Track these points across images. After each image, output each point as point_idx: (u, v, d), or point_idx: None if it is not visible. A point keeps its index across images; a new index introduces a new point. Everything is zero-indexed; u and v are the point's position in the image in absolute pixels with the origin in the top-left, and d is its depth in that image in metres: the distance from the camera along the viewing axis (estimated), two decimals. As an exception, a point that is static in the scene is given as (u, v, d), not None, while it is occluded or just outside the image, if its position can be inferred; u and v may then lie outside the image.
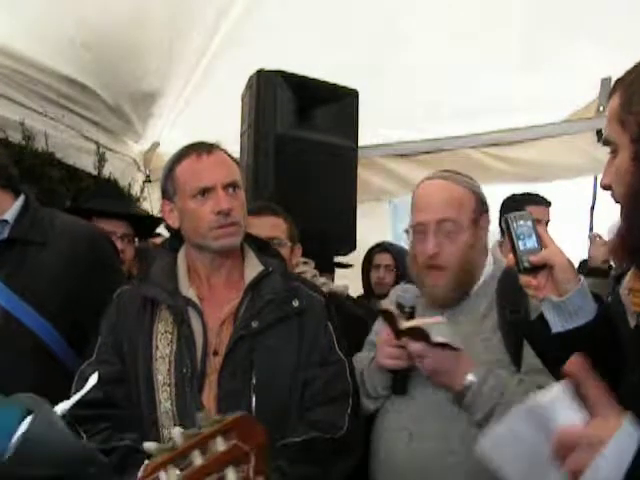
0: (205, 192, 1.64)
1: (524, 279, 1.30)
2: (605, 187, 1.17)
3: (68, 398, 1.55)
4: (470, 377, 1.58)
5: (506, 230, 1.32)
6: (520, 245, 1.29)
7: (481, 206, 1.73)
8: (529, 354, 1.56)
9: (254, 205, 2.38)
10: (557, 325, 1.27)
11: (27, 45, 2.93)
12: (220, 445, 0.93)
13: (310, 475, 1.55)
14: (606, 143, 1.17)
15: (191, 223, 1.68)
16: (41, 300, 1.83)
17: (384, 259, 3.72)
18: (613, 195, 1.16)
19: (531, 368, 1.57)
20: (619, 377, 1.17)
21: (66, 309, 1.86)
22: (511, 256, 1.31)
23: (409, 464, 1.64)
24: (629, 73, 1.14)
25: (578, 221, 3.91)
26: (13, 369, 1.76)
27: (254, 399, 1.58)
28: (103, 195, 2.81)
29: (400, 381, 1.70)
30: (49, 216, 1.96)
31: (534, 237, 1.29)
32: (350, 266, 3.02)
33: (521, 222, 1.30)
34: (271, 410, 1.58)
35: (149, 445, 0.94)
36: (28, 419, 1.08)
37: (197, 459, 0.91)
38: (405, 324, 1.61)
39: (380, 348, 1.70)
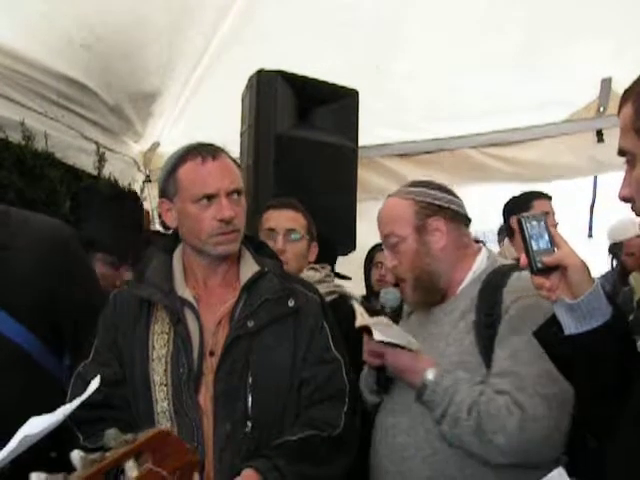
0: (208, 198, 1.63)
1: (537, 280, 1.29)
2: (625, 199, 1.16)
3: (54, 402, 1.54)
4: (428, 376, 1.62)
5: (519, 231, 1.31)
6: (533, 246, 1.28)
7: (425, 211, 1.76)
8: (500, 357, 1.58)
9: (275, 200, 2.41)
10: (571, 327, 1.26)
11: (27, 45, 2.93)
12: (132, 470, 0.79)
13: (307, 473, 1.56)
14: (621, 154, 1.16)
15: (191, 227, 1.67)
16: (15, 306, 1.74)
17: (385, 257, 3.72)
18: (634, 207, 1.15)
19: (498, 371, 1.58)
20: (633, 378, 1.17)
21: (41, 312, 1.78)
22: (524, 257, 1.30)
23: (388, 458, 1.70)
24: (638, 82, 1.14)
25: (577, 221, 3.91)
26: None
27: (250, 399, 1.58)
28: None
29: (383, 378, 1.75)
30: (11, 217, 1.83)
31: (547, 238, 1.28)
32: (349, 278, 3.04)
33: (534, 223, 1.29)
34: (267, 409, 1.60)
35: (36, 476, 0.77)
36: None
37: None
38: (358, 322, 1.69)
39: (364, 346, 1.75)
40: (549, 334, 1.32)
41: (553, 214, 3.38)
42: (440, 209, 1.76)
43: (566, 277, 1.26)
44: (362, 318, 1.70)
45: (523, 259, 1.30)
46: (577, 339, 1.25)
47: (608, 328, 1.23)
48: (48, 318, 1.80)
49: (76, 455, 0.76)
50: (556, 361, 1.36)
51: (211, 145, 1.71)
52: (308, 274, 2.38)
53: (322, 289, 2.28)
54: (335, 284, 2.47)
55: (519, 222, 1.31)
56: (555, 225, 3.41)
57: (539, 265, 1.27)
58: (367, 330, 1.68)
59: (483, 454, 1.55)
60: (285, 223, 2.30)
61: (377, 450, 1.74)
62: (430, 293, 1.76)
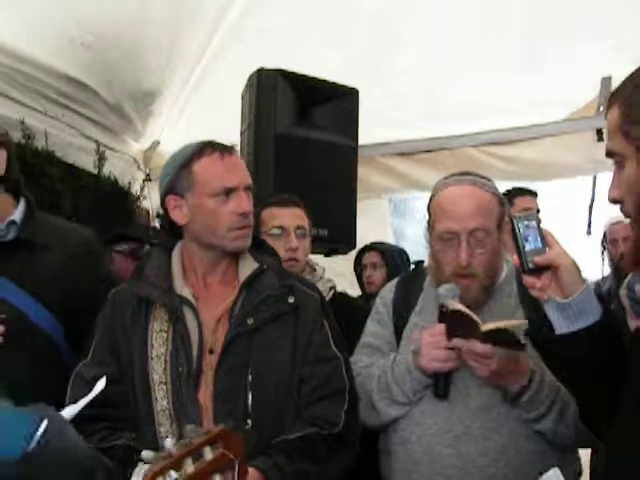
0: (227, 193, 1.64)
1: (528, 280, 1.30)
2: (614, 201, 1.17)
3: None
4: (532, 376, 1.59)
5: (511, 230, 1.32)
6: (525, 245, 1.28)
7: (503, 209, 1.72)
8: None
9: (277, 197, 2.42)
10: (562, 326, 1.26)
11: (27, 44, 2.93)
12: (208, 454, 1.05)
13: (307, 471, 1.55)
14: (609, 155, 1.16)
15: (207, 222, 1.66)
16: (51, 301, 1.86)
17: (370, 257, 3.71)
18: (622, 208, 1.16)
19: None
20: (624, 378, 1.18)
21: (70, 312, 1.89)
22: (516, 257, 1.31)
23: (457, 467, 1.63)
24: (625, 85, 1.15)
25: (577, 220, 3.91)
26: (27, 369, 1.78)
27: (250, 396, 1.58)
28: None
29: (443, 384, 1.67)
30: (47, 220, 2.00)
31: (539, 238, 1.29)
32: None
33: (526, 222, 1.30)
34: (267, 407, 1.60)
35: (147, 454, 1.03)
36: (43, 426, 1.11)
37: (189, 467, 1.03)
38: (485, 326, 1.53)
39: (426, 351, 1.66)
40: (541, 333, 1.33)
41: (537, 211, 3.38)
42: (507, 208, 1.73)
43: (557, 277, 1.26)
44: (492, 323, 1.53)
45: (515, 259, 1.31)
46: (568, 338, 1.26)
47: (598, 328, 1.24)
48: (75, 319, 1.88)
49: (169, 442, 1.04)
50: (548, 360, 1.37)
51: (224, 143, 1.71)
52: (318, 270, 2.41)
53: (324, 285, 2.31)
54: (328, 279, 2.47)
55: (511, 222, 1.32)
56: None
57: (530, 265, 1.28)
58: (492, 335, 1.52)
59: (576, 444, 1.57)
60: (295, 221, 2.30)
61: (436, 460, 1.65)
62: (488, 290, 1.71)
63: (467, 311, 1.56)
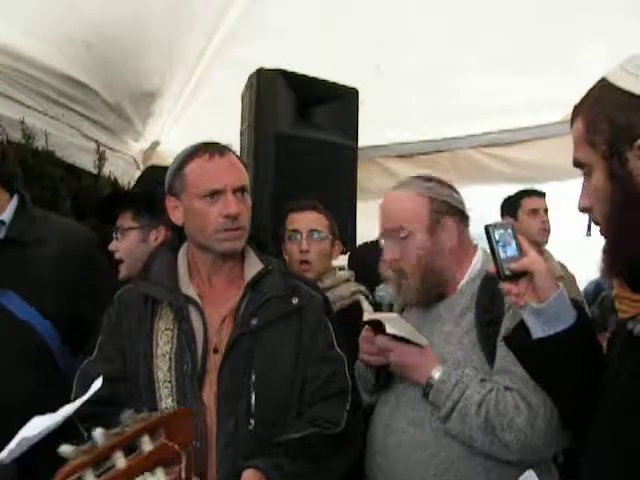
0: (215, 194, 1.65)
1: (505, 286, 1.32)
2: (584, 209, 1.20)
3: (63, 396, 1.57)
4: (435, 373, 1.61)
5: (487, 239, 1.33)
6: (501, 253, 1.30)
7: (440, 209, 1.75)
8: (500, 355, 1.58)
9: (296, 203, 2.49)
10: (538, 331, 1.30)
11: (27, 44, 2.93)
12: (147, 445, 0.86)
13: (309, 471, 1.57)
14: (578, 166, 1.19)
15: (197, 223, 1.68)
16: (41, 299, 1.85)
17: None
18: (592, 217, 1.19)
19: (500, 368, 1.58)
20: (600, 380, 1.20)
21: (66, 307, 1.89)
22: (492, 264, 1.33)
23: (385, 457, 1.68)
24: (586, 98, 1.19)
25: (577, 221, 3.92)
26: (15, 368, 1.79)
27: (254, 396, 1.59)
28: None
29: (382, 376, 1.75)
30: (43, 216, 2.00)
31: (514, 245, 1.31)
32: None
33: (501, 230, 1.32)
34: (271, 407, 1.60)
35: (65, 448, 0.83)
36: None
37: (120, 461, 0.83)
38: (366, 317, 1.71)
39: (360, 345, 1.75)
40: (517, 338, 1.36)
41: (546, 210, 3.40)
42: (453, 209, 1.76)
43: (532, 283, 1.29)
44: (368, 313, 1.72)
45: (491, 266, 1.33)
46: (544, 342, 1.29)
47: (573, 332, 1.28)
48: (73, 314, 1.90)
49: (98, 431, 0.84)
50: (525, 365, 1.39)
51: (218, 143, 1.72)
52: (340, 274, 2.46)
53: (349, 288, 2.35)
54: (355, 284, 2.50)
55: (486, 230, 1.34)
56: (545, 221, 3.41)
57: (507, 272, 1.30)
58: (374, 325, 1.68)
59: (491, 451, 1.54)
60: (308, 224, 2.39)
61: (377, 449, 1.72)
62: (433, 291, 1.76)
63: (371, 317, 1.72)
